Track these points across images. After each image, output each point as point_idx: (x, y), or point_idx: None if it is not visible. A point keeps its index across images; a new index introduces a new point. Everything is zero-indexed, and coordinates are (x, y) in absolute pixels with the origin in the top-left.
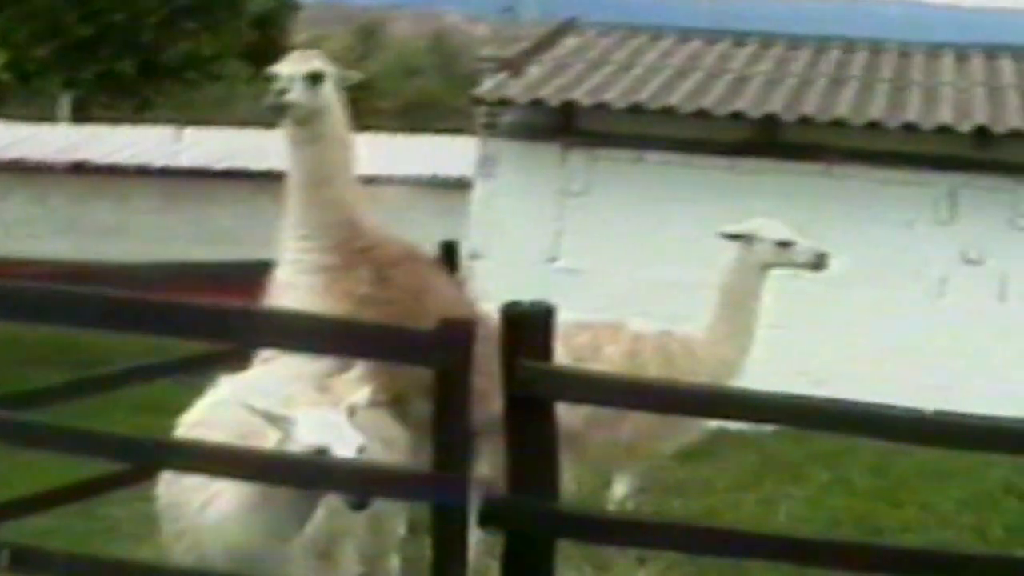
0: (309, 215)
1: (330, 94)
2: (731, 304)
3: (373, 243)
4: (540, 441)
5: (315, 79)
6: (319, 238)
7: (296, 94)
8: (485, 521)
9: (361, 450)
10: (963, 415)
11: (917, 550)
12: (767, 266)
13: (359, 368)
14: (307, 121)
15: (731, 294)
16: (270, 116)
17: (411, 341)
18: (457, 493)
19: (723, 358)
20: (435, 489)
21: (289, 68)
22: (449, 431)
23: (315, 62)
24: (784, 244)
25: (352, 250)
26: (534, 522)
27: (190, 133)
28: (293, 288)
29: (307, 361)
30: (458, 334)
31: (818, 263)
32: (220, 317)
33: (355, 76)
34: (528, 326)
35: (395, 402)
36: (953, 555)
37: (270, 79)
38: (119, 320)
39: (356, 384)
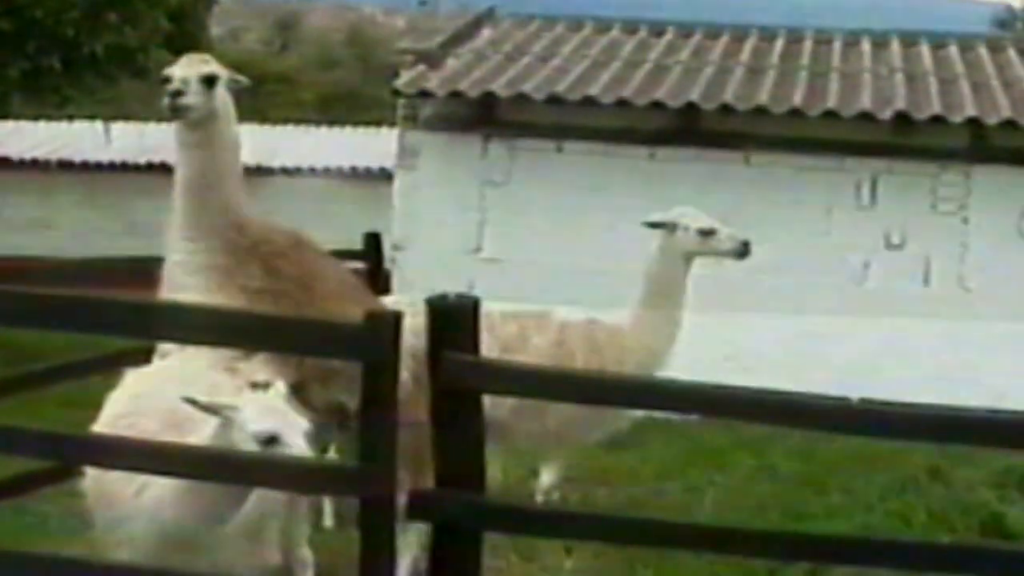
0: (199, 217)
1: (223, 97)
2: (655, 293)
3: (259, 238)
4: (467, 433)
5: (210, 82)
6: (207, 239)
7: (191, 96)
8: (413, 514)
9: (307, 435)
10: (886, 403)
11: (841, 536)
12: (690, 254)
13: (262, 354)
14: (200, 124)
15: (655, 283)
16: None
17: (337, 334)
18: (384, 486)
19: (649, 347)
20: (361, 483)
21: (183, 70)
22: (376, 424)
23: (209, 65)
24: (706, 232)
25: (239, 247)
26: (461, 514)
27: (113, 128)
28: (183, 288)
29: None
30: (384, 326)
31: (741, 251)
32: (145, 313)
33: (246, 81)
34: (455, 319)
35: (296, 389)
36: (877, 541)
37: (165, 80)
38: (47, 317)
39: (262, 368)
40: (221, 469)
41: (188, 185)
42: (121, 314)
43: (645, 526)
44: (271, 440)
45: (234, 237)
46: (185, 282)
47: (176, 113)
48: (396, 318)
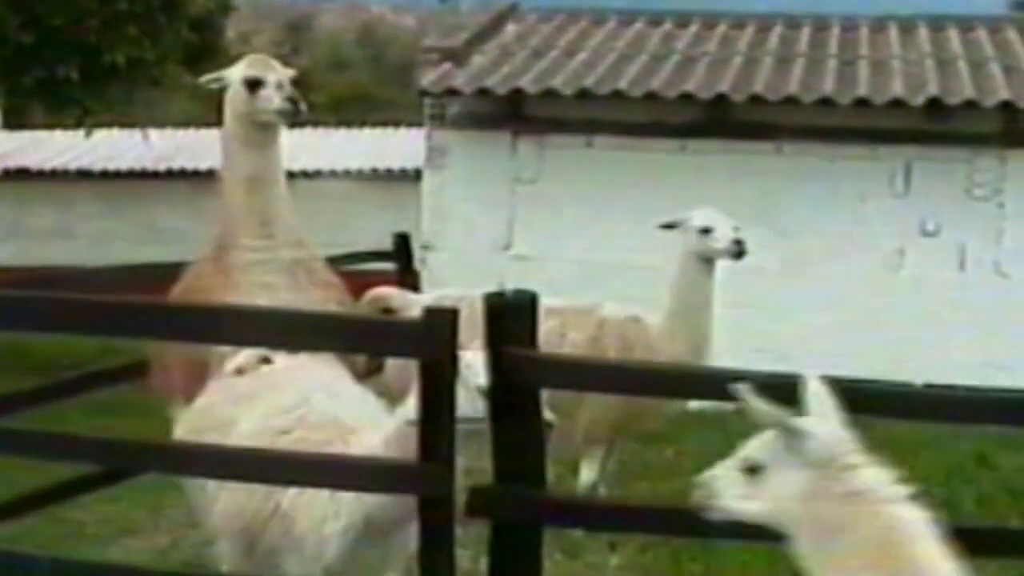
0: (270, 214)
1: None
2: (679, 297)
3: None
4: (527, 428)
5: (296, 84)
6: (284, 234)
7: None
8: (472, 511)
9: None
10: (949, 387)
11: None
12: (701, 256)
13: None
14: (273, 124)
15: (678, 287)
16: (205, 116)
17: (396, 332)
18: (443, 483)
19: (675, 352)
20: (421, 480)
21: (278, 74)
22: (435, 421)
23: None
24: (705, 231)
25: (306, 243)
26: (521, 511)
27: (129, 136)
28: (268, 288)
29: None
30: (442, 324)
31: (733, 251)
32: (211, 318)
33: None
34: (512, 314)
35: None
36: None
37: (256, 83)
38: (110, 323)
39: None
40: (284, 470)
41: (253, 184)
42: (188, 319)
43: (698, 518)
44: None
45: (299, 231)
46: (268, 280)
47: (293, 117)
48: (453, 316)
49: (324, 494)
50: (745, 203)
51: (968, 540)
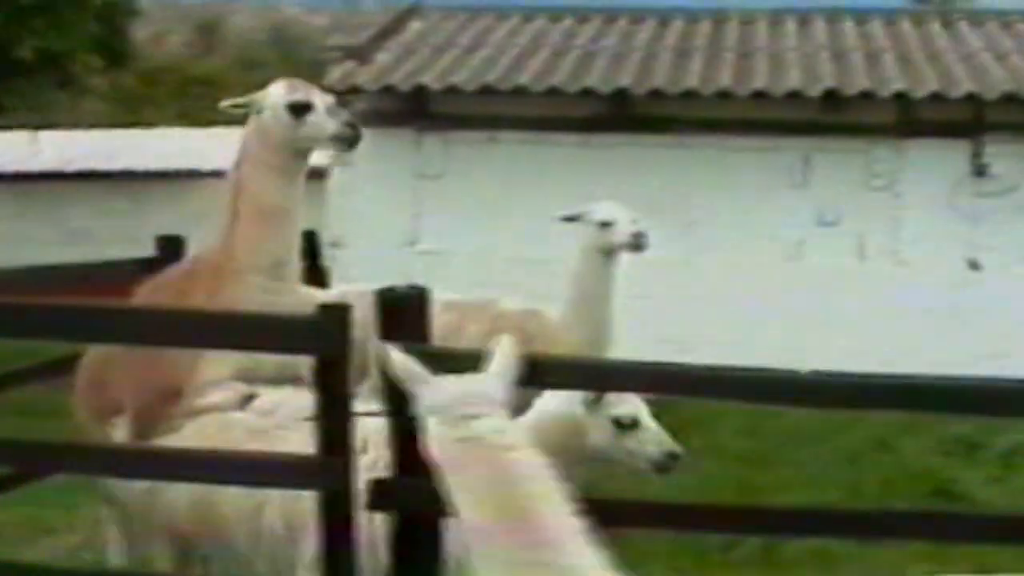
0: (290, 250)
1: None
2: (579, 290)
3: None
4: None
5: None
6: (293, 276)
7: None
8: (373, 505)
9: None
10: (840, 373)
11: (794, 508)
12: (602, 249)
13: None
14: (340, 150)
15: (578, 279)
16: (117, 117)
17: (291, 329)
18: (342, 479)
19: (575, 344)
20: (320, 476)
21: (324, 98)
22: (332, 417)
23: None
24: (605, 224)
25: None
26: (422, 502)
27: (44, 136)
28: None
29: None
30: (336, 320)
31: (633, 244)
32: (98, 317)
33: None
34: (404, 310)
35: None
36: (830, 511)
37: (304, 108)
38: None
39: None
40: (188, 467)
41: (276, 217)
42: (69, 316)
43: (599, 506)
44: None
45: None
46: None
47: (355, 144)
48: (346, 311)
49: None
50: (647, 196)
51: (870, 523)
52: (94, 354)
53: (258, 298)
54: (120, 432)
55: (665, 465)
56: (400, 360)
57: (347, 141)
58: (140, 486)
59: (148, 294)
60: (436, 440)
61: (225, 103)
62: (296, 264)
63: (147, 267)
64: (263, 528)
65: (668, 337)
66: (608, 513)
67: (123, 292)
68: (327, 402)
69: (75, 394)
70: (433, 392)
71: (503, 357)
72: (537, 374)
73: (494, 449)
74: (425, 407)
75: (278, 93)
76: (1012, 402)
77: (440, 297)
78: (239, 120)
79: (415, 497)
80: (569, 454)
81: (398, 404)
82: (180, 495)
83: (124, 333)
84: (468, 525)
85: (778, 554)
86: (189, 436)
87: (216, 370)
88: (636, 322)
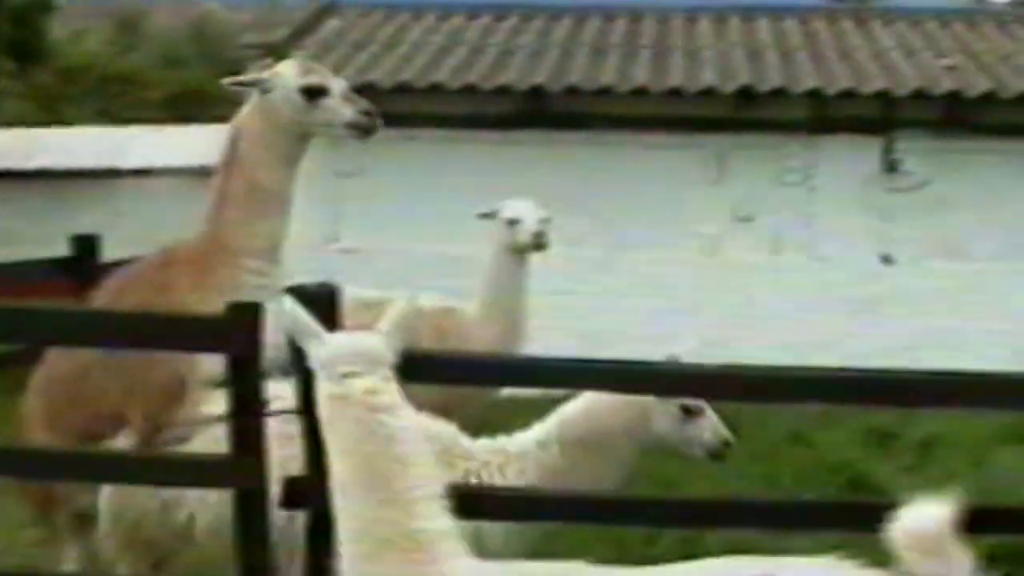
0: (284, 236)
1: None
2: (492, 287)
3: None
4: None
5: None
6: (284, 262)
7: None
8: (287, 502)
9: None
10: (750, 367)
11: (712, 500)
12: (510, 246)
13: None
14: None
15: (491, 276)
16: (36, 116)
17: (202, 328)
18: (256, 478)
19: (490, 341)
20: (232, 475)
21: (338, 82)
22: (244, 416)
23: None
24: (512, 223)
25: None
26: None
27: None
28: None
29: None
30: (247, 318)
31: (533, 243)
32: (9, 317)
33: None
34: (314, 307)
35: None
36: (748, 502)
37: (319, 91)
38: None
39: None
40: (102, 468)
41: (275, 203)
42: None
43: (511, 502)
44: None
45: None
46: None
47: (372, 133)
48: (257, 310)
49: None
50: (564, 193)
51: (785, 514)
52: (58, 372)
53: (252, 281)
54: (122, 443)
55: (720, 452)
56: (294, 314)
57: (363, 129)
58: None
59: (115, 293)
60: (320, 394)
61: (228, 80)
62: (285, 250)
63: (61, 267)
64: None
65: (586, 333)
66: (529, 505)
67: (38, 292)
68: (239, 401)
69: (35, 417)
70: (321, 348)
71: (395, 316)
72: (438, 369)
73: (365, 408)
74: (314, 362)
75: (291, 74)
76: (924, 394)
77: (355, 295)
78: (160, 119)
79: (328, 495)
80: (628, 437)
81: (309, 402)
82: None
83: (27, 334)
84: (334, 478)
85: (697, 546)
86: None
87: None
88: (554, 318)
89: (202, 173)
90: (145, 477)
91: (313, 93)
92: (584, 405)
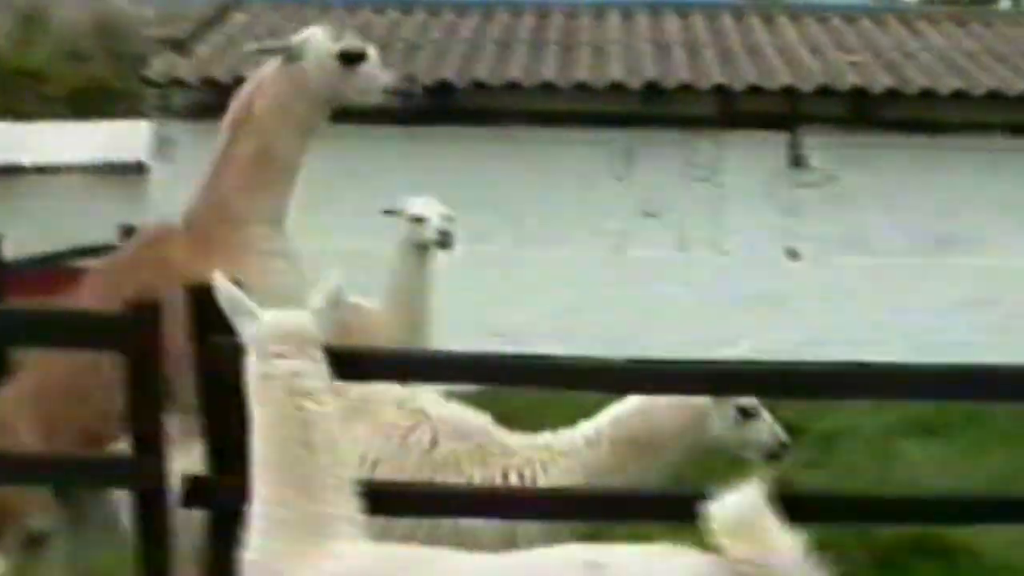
0: (290, 206)
1: None
2: (396, 284)
3: None
4: (232, 418)
5: None
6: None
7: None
8: (188, 501)
9: None
10: (659, 361)
11: (611, 494)
12: (415, 243)
13: None
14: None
15: (395, 273)
16: None
17: (102, 326)
18: (156, 478)
19: (393, 338)
20: (131, 476)
21: (373, 48)
22: (145, 415)
23: None
24: (417, 220)
25: None
26: (238, 498)
27: None
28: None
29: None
30: (147, 317)
31: (440, 241)
32: None
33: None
34: (212, 304)
35: None
36: (650, 496)
37: (357, 58)
38: None
39: None
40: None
41: (290, 173)
42: None
43: (466, 495)
44: None
45: None
46: (278, 265)
47: (410, 101)
48: (156, 307)
49: None
50: (471, 189)
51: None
52: (55, 373)
53: (263, 247)
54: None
55: (777, 453)
56: (226, 290)
57: (405, 95)
58: None
59: (110, 285)
60: (248, 371)
61: (252, 46)
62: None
63: None
64: None
65: (494, 329)
66: (472, 502)
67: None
68: (139, 401)
69: (28, 416)
70: (252, 325)
71: (325, 295)
72: (348, 366)
73: (287, 391)
74: (245, 338)
75: (323, 40)
76: (828, 386)
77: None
78: (63, 114)
79: (233, 495)
80: (681, 439)
81: (213, 402)
82: None
83: None
84: (253, 457)
85: (604, 538)
86: None
87: None
88: (461, 314)
89: (105, 169)
90: (43, 476)
91: (352, 59)
92: (639, 405)
